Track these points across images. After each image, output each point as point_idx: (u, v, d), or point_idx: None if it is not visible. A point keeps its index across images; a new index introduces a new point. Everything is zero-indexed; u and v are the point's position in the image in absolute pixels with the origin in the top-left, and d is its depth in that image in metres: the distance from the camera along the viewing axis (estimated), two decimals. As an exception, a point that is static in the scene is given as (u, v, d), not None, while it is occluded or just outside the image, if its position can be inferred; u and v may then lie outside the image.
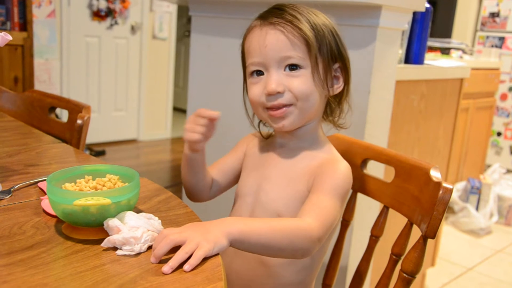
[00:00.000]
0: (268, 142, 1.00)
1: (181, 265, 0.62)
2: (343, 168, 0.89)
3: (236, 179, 1.03)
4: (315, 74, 0.87)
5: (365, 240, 1.05)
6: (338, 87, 0.93)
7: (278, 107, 0.87)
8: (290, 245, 0.75)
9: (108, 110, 4.37)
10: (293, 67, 0.86)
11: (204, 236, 0.66)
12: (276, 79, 0.86)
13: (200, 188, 0.99)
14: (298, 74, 0.86)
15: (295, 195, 0.90)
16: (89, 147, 4.01)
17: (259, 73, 0.89)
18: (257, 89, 0.89)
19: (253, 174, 0.97)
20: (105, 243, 0.66)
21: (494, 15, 4.26)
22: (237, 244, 0.70)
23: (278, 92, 0.86)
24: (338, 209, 0.85)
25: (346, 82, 0.93)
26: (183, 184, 1.00)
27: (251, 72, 0.90)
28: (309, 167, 0.91)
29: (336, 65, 0.91)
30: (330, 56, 0.89)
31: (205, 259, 0.64)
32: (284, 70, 0.87)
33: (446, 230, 2.93)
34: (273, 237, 0.73)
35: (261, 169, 0.96)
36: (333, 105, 0.95)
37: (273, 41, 0.86)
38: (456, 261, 2.59)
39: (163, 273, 0.61)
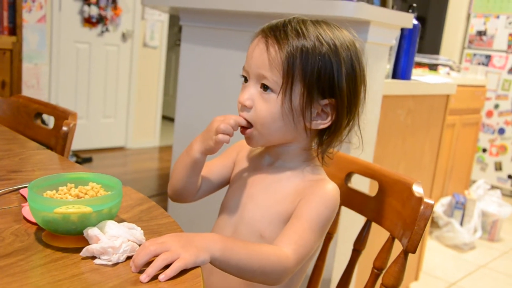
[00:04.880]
0: (258, 157, 0.97)
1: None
2: (331, 193, 0.86)
3: (220, 185, 1.02)
4: (286, 102, 0.83)
5: (349, 253, 1.06)
6: (322, 123, 0.86)
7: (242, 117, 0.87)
8: (264, 274, 0.76)
9: (96, 117, 4.35)
10: (265, 87, 0.84)
11: (186, 248, 0.66)
12: (251, 92, 0.86)
13: (190, 189, 0.96)
14: (267, 97, 0.84)
15: (279, 217, 0.88)
16: (76, 154, 3.98)
17: (246, 79, 0.88)
18: (240, 95, 0.89)
19: (239, 191, 0.95)
20: (84, 252, 0.65)
21: (481, 33, 4.33)
22: (216, 263, 0.70)
23: (246, 106, 0.86)
24: (317, 240, 0.84)
25: (337, 121, 0.86)
26: (173, 184, 0.97)
27: (242, 75, 0.90)
28: (295, 188, 0.88)
29: (325, 101, 0.84)
30: (317, 89, 0.83)
31: (184, 271, 0.64)
32: (260, 87, 0.85)
33: (430, 244, 2.94)
34: (251, 264, 0.73)
35: (247, 187, 0.94)
36: (323, 138, 0.89)
37: (257, 56, 0.85)
38: (440, 276, 2.60)
39: (140, 282, 0.61)
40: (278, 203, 0.88)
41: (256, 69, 0.84)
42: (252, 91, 0.86)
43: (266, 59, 0.83)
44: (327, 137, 0.89)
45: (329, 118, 0.86)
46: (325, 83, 0.83)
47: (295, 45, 0.81)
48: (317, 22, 0.85)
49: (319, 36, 0.82)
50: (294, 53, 0.81)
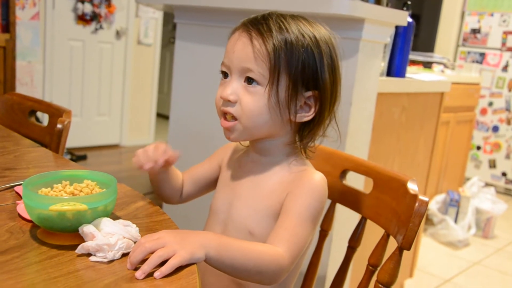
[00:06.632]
0: (243, 155, 0.97)
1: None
2: (318, 183, 0.85)
3: (207, 188, 1.03)
4: (272, 95, 0.83)
5: (344, 251, 1.06)
6: (305, 115, 0.86)
7: (226, 113, 0.86)
8: (260, 273, 0.75)
9: (91, 115, 4.33)
10: (250, 80, 0.83)
11: (181, 244, 0.65)
12: (234, 87, 0.84)
13: (168, 194, 0.99)
14: (253, 91, 0.83)
15: (267, 212, 0.88)
16: (71, 151, 3.96)
17: (226, 75, 0.87)
18: (219, 91, 0.87)
19: (226, 190, 0.95)
20: (79, 250, 0.65)
21: (475, 31, 4.34)
22: (211, 261, 0.69)
23: (229, 101, 0.84)
24: (310, 233, 0.84)
25: (320, 113, 0.87)
26: (154, 188, 1.00)
27: (221, 71, 0.89)
28: (281, 182, 0.88)
29: (309, 93, 0.85)
30: (301, 82, 0.83)
31: (180, 268, 0.64)
32: (244, 81, 0.84)
33: (425, 241, 2.95)
34: (246, 263, 0.73)
35: (233, 185, 0.94)
36: (305, 131, 0.89)
37: (240, 49, 0.84)
38: (434, 273, 2.61)
39: (136, 279, 0.61)
40: (266, 198, 0.88)
41: (240, 62, 0.83)
42: (235, 86, 0.85)
43: (250, 52, 0.82)
44: (309, 131, 0.89)
45: (313, 110, 0.87)
46: (309, 75, 0.84)
47: (279, 38, 0.82)
48: (295, 17, 0.87)
49: (300, 29, 0.84)
50: (279, 45, 0.81)
